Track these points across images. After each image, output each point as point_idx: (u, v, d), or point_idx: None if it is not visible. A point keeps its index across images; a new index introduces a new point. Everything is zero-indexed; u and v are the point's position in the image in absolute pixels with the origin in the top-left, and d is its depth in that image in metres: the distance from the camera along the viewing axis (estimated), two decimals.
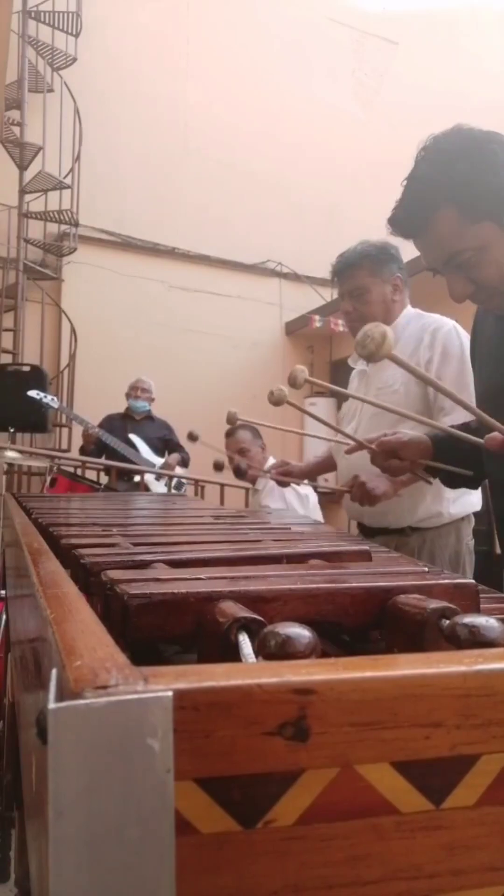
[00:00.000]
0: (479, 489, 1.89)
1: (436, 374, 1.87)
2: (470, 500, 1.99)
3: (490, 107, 8.12)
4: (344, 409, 2.29)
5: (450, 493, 1.89)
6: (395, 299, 2.03)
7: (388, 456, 1.45)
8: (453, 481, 1.53)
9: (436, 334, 1.92)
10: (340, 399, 7.47)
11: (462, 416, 1.78)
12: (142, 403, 4.92)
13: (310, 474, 2.23)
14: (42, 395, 4.52)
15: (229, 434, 3.73)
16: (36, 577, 0.64)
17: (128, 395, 4.96)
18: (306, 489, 3.49)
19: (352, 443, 1.58)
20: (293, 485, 3.22)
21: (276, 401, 1.23)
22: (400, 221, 1.24)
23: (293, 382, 1.11)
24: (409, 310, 2.07)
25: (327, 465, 2.30)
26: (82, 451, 4.88)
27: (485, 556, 2.43)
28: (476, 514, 2.05)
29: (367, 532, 2.03)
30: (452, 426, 1.31)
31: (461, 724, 0.38)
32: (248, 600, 0.57)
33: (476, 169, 1.14)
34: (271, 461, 3.69)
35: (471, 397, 1.77)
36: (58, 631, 0.43)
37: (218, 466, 2.47)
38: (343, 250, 2.11)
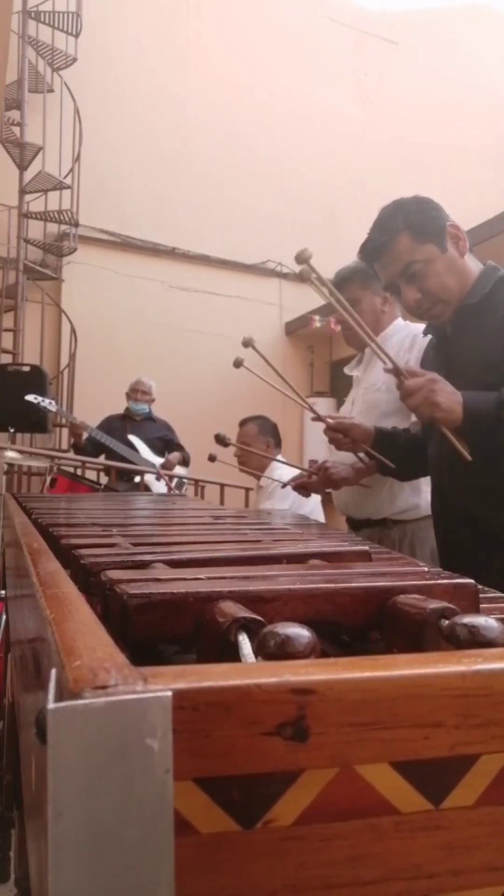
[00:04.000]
0: None
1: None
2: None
3: (489, 107, 8.14)
4: (341, 410, 2.46)
5: (427, 487, 1.98)
6: (384, 310, 2.25)
7: (338, 433, 1.82)
8: (383, 470, 1.89)
9: (416, 339, 2.11)
10: (340, 400, 7.47)
11: None
12: (142, 406, 4.90)
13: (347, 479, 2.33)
14: (40, 399, 4.51)
15: (241, 425, 3.72)
16: (36, 577, 0.64)
17: (128, 397, 4.95)
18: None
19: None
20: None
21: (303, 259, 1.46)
22: (368, 248, 1.63)
23: (300, 259, 1.41)
24: (399, 321, 2.27)
25: None
26: (74, 447, 4.87)
27: None
28: None
29: (354, 525, 2.17)
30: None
31: (460, 724, 0.38)
32: (248, 600, 0.57)
33: (424, 207, 1.59)
34: (279, 458, 3.67)
35: None
36: (57, 631, 0.43)
37: (211, 458, 2.67)
38: (343, 252, 2.26)
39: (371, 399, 2.17)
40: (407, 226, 1.57)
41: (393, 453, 1.82)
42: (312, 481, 2.18)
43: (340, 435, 1.82)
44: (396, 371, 1.44)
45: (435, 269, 1.56)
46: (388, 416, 2.11)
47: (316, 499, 3.65)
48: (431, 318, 1.66)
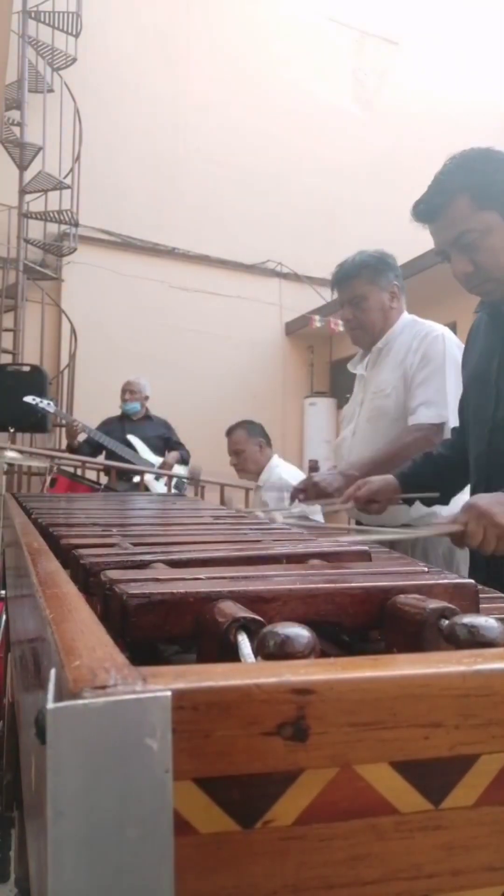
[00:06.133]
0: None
1: (413, 379, 2.01)
2: (464, 500, 2.02)
3: (489, 107, 8.14)
4: (344, 411, 2.39)
5: None
6: (392, 306, 2.13)
7: (367, 503, 1.70)
8: (427, 503, 1.79)
9: (423, 340, 2.04)
10: (340, 400, 7.48)
11: (426, 415, 1.98)
12: (132, 405, 4.90)
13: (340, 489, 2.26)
14: (38, 399, 4.51)
15: (228, 434, 3.74)
16: (35, 577, 0.63)
17: (121, 398, 4.96)
18: None
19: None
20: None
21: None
22: (422, 208, 1.46)
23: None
24: (406, 316, 2.17)
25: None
26: (68, 448, 4.88)
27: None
28: None
29: None
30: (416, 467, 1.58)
31: (460, 724, 0.38)
32: (248, 600, 0.57)
33: (490, 166, 1.39)
34: (275, 459, 3.67)
35: (444, 397, 1.97)
36: (57, 631, 0.43)
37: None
38: (343, 252, 2.18)
39: (380, 405, 2.09)
40: (467, 187, 1.38)
41: (427, 486, 1.69)
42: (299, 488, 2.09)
43: (375, 504, 1.70)
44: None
45: (491, 242, 1.38)
46: (398, 420, 2.05)
47: None
48: (480, 295, 1.52)
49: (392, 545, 1.94)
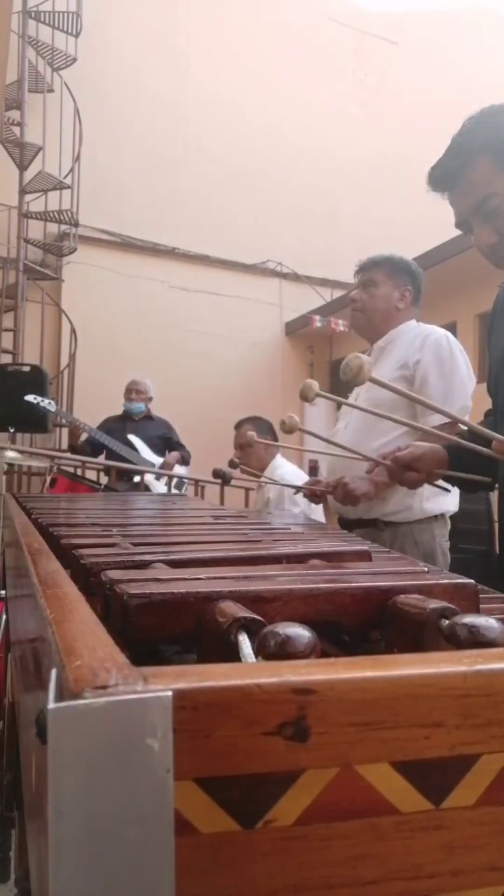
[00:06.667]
0: (459, 492, 1.97)
1: (422, 377, 2.01)
2: (445, 500, 2.00)
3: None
4: (343, 408, 2.41)
5: (425, 490, 1.83)
6: (399, 307, 2.18)
7: (404, 470, 1.47)
8: (470, 487, 1.56)
9: (426, 339, 2.06)
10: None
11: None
12: (137, 405, 4.90)
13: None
14: (39, 399, 4.51)
15: (237, 427, 3.74)
16: (36, 577, 0.63)
17: (125, 398, 4.96)
18: None
19: (354, 454, 1.64)
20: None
21: (289, 429, 1.24)
22: (438, 173, 1.32)
23: (304, 396, 1.15)
24: (412, 323, 2.21)
25: None
26: (70, 447, 4.88)
27: (484, 555, 2.43)
28: (477, 514, 2.06)
29: (346, 525, 2.09)
30: (462, 435, 1.34)
31: (461, 724, 0.38)
32: (248, 600, 0.57)
33: None
34: (278, 458, 3.67)
35: (460, 399, 1.94)
36: (57, 631, 0.42)
37: (217, 475, 2.56)
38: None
39: (374, 396, 2.05)
40: (487, 146, 1.24)
41: (479, 464, 1.39)
42: (325, 490, 2.07)
43: (412, 472, 1.47)
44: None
45: None
46: (391, 412, 2.02)
47: None
48: None
49: (371, 541, 1.93)
